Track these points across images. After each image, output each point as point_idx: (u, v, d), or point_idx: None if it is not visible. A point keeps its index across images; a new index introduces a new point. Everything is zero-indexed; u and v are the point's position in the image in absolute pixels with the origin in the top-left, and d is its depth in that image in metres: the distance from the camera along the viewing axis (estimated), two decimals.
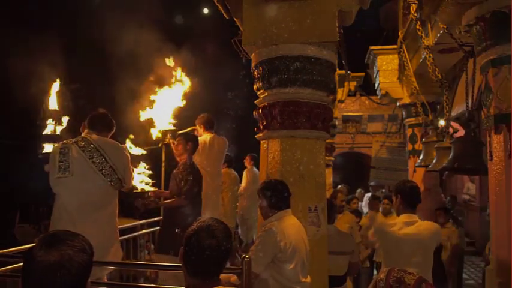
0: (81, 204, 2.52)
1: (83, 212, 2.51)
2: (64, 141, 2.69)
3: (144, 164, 3.57)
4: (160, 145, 4.33)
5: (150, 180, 3.52)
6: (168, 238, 3.39)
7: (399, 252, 2.60)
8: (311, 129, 2.57)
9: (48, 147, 3.13)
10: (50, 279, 1.06)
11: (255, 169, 6.07)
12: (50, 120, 3.25)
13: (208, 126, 4.28)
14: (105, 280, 2.72)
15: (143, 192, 3.31)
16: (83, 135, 2.70)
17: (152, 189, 3.47)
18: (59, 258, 1.07)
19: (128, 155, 2.77)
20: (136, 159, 3.45)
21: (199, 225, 1.42)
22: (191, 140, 3.61)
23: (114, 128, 2.85)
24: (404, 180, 3.05)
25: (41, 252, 1.07)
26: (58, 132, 3.25)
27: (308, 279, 2.30)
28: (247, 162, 6.27)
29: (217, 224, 1.43)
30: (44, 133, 3.20)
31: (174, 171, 3.55)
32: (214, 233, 1.39)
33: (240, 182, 6.16)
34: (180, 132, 3.93)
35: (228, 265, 1.71)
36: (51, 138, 3.15)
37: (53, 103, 3.29)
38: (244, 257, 1.94)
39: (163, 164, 5.16)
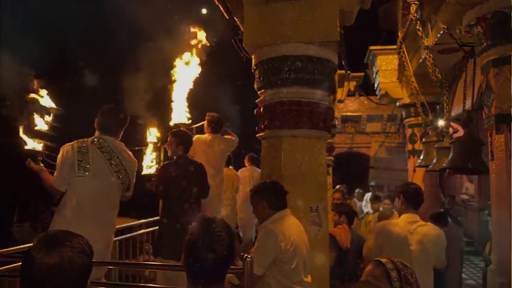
0: (97, 204, 2.52)
1: (97, 212, 2.51)
2: (81, 140, 2.65)
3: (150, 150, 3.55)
4: (159, 145, 4.27)
5: (154, 165, 3.50)
6: (159, 241, 3.35)
7: (400, 251, 2.60)
8: (312, 129, 2.56)
9: (32, 144, 2.93)
10: (50, 282, 1.04)
11: (254, 168, 6.06)
12: (46, 118, 3.14)
13: (214, 127, 4.26)
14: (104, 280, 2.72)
15: (150, 175, 3.35)
16: (96, 136, 2.68)
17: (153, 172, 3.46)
18: (59, 260, 1.05)
19: (136, 161, 2.80)
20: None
21: (199, 231, 1.35)
22: (182, 142, 3.46)
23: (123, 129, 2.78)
24: (407, 182, 3.09)
25: (41, 254, 1.05)
26: (48, 130, 3.11)
27: (309, 278, 2.29)
28: (246, 162, 6.27)
29: (219, 228, 1.35)
30: (36, 129, 3.02)
31: None
32: (214, 240, 1.31)
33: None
34: (174, 130, 3.82)
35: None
36: (42, 136, 2.97)
37: (47, 100, 3.18)
38: (246, 256, 1.93)
39: (161, 164, 5.14)
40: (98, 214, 2.51)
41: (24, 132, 2.96)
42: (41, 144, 2.91)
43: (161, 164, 3.65)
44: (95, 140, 2.63)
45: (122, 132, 2.78)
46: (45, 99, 3.10)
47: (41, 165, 2.79)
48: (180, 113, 4.05)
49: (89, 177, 2.52)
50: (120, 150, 2.65)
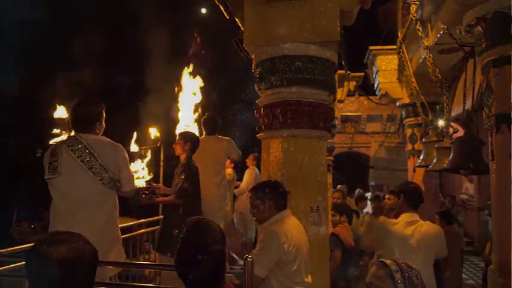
0: (71, 205, 2.45)
1: (74, 213, 2.43)
2: (55, 143, 2.63)
3: (139, 161, 3.48)
4: (158, 144, 4.28)
5: (144, 176, 3.41)
6: (166, 239, 3.37)
7: (399, 251, 2.61)
8: (312, 129, 2.57)
9: None
10: (66, 274, 1.07)
11: (257, 169, 6.06)
12: (56, 130, 3.10)
13: (210, 128, 4.25)
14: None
15: (137, 189, 3.15)
16: (72, 134, 2.62)
17: (144, 185, 3.36)
18: (75, 251, 1.08)
19: (125, 154, 2.62)
20: (132, 157, 3.35)
21: (189, 233, 1.36)
22: (189, 140, 3.58)
23: (101, 122, 2.65)
24: (407, 182, 3.11)
25: (52, 248, 1.07)
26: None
27: (309, 278, 2.29)
28: (249, 161, 6.25)
29: (208, 230, 1.35)
30: (50, 142, 3.01)
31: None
32: (203, 242, 1.33)
33: (239, 181, 6.16)
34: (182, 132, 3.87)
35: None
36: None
37: (60, 111, 3.14)
38: (247, 256, 1.92)
39: (161, 164, 5.14)
40: (74, 215, 2.43)
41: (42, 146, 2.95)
42: None
43: (161, 165, 3.66)
44: (67, 139, 2.57)
45: (101, 126, 2.64)
46: (58, 110, 3.08)
47: None
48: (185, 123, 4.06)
49: (58, 178, 2.45)
50: (96, 146, 2.50)
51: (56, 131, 3.11)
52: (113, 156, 2.54)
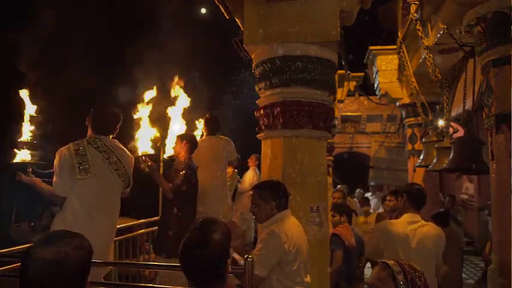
0: (101, 205, 2.50)
1: (102, 213, 2.49)
2: (76, 142, 2.59)
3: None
4: (158, 144, 4.26)
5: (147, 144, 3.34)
6: (161, 240, 3.37)
7: (402, 252, 2.61)
8: (313, 129, 2.57)
9: (22, 155, 2.81)
10: (46, 277, 1.06)
11: (257, 169, 6.05)
12: (28, 126, 2.89)
13: (211, 128, 4.25)
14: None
15: (138, 156, 3.05)
16: (90, 136, 2.63)
17: (148, 152, 3.17)
18: (55, 255, 1.07)
19: (132, 157, 2.78)
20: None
21: (192, 231, 1.38)
22: (186, 138, 3.56)
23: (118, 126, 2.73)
24: (411, 182, 3.11)
25: (38, 250, 1.08)
26: (36, 140, 2.90)
27: (308, 278, 2.29)
28: (251, 162, 6.23)
29: (211, 228, 1.37)
30: (20, 140, 2.88)
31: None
32: (205, 240, 1.34)
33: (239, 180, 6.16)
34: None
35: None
36: (28, 146, 2.83)
37: (30, 108, 2.96)
38: (248, 256, 1.93)
39: (161, 164, 5.14)
40: (100, 215, 2.49)
41: (12, 145, 2.89)
42: (29, 155, 2.80)
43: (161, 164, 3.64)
44: (91, 140, 2.58)
45: (114, 136, 2.73)
46: (28, 107, 3.00)
47: (32, 176, 2.68)
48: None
49: (90, 178, 2.47)
50: (116, 148, 2.61)
51: (30, 128, 3.05)
52: (129, 158, 2.67)
